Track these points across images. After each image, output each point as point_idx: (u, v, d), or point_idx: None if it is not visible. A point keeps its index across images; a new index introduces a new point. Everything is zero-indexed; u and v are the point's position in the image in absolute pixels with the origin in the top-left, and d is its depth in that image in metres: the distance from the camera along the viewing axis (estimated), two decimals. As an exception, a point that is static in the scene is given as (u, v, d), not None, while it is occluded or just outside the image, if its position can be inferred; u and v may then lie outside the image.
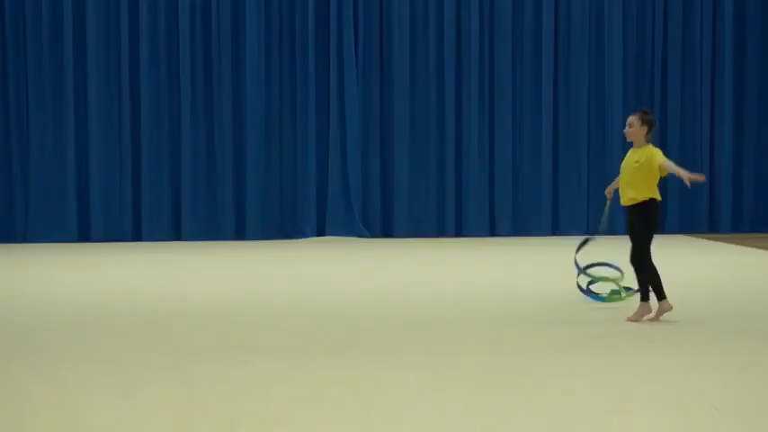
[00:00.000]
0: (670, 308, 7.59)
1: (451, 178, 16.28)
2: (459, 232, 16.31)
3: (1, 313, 8.44)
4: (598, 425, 4.70)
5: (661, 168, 7.49)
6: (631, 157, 7.67)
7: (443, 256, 13.30)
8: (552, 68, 16.31)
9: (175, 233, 15.90)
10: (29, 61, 15.50)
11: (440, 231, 16.31)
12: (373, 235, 16.07)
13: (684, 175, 7.27)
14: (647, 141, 7.65)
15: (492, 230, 16.36)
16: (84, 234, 15.71)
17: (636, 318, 7.64)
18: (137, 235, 15.84)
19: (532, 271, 11.62)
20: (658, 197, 7.55)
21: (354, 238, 15.81)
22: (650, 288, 7.63)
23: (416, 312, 8.24)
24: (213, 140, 15.95)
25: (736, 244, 14.54)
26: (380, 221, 16.31)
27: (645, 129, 7.61)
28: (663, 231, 16.39)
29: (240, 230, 16.01)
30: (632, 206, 7.58)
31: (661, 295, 7.60)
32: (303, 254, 13.64)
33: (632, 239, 7.63)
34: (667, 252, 13.61)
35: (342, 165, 16.10)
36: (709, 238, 15.56)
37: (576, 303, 8.37)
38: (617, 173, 17.94)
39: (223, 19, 15.84)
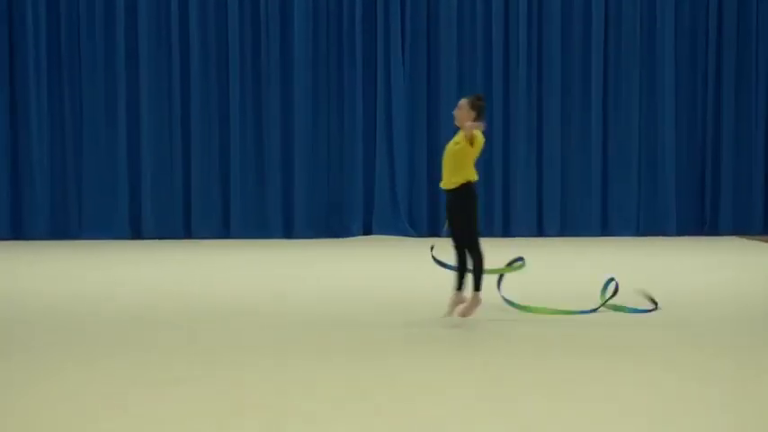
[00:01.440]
0: (480, 301, 7.35)
1: (499, 177, 16.13)
2: (507, 232, 16.15)
3: (7, 310, 8.55)
4: (602, 427, 4.64)
5: (470, 134, 7.17)
6: (453, 138, 7.42)
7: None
8: (602, 67, 16.05)
9: (225, 231, 16.06)
10: (83, 60, 15.80)
11: (487, 231, 16.13)
12: (420, 235, 16.00)
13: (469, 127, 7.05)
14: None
15: (540, 231, 16.17)
16: (135, 231, 15.96)
17: (467, 312, 7.37)
18: (187, 232, 16.05)
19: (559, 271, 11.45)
20: (474, 178, 7.31)
21: (400, 238, 15.76)
22: (472, 275, 7.33)
23: (419, 312, 8.13)
24: (262, 139, 16.07)
25: (792, 246, 14.16)
26: (427, 221, 16.23)
27: (473, 114, 7.33)
28: (715, 233, 16.03)
29: (288, 229, 16.10)
30: (452, 190, 7.31)
31: (479, 286, 7.33)
32: (342, 252, 13.61)
33: (454, 224, 7.32)
34: (716, 253, 13.35)
35: (389, 164, 16.07)
36: (764, 240, 15.14)
37: (583, 305, 8.16)
38: (668, 172, 17.44)
39: (271, 16, 15.93)
